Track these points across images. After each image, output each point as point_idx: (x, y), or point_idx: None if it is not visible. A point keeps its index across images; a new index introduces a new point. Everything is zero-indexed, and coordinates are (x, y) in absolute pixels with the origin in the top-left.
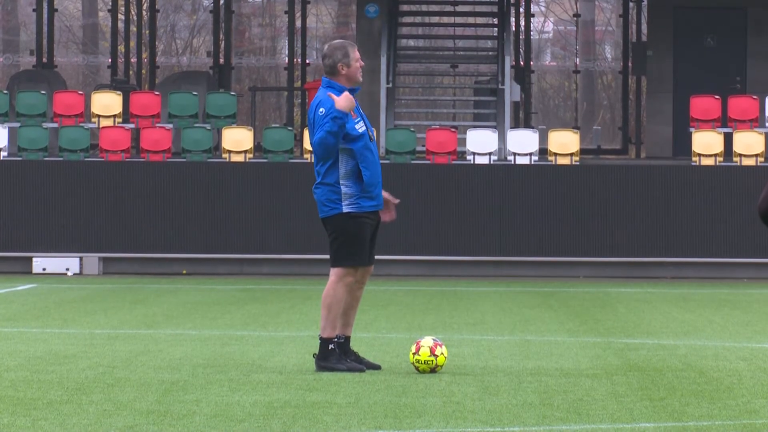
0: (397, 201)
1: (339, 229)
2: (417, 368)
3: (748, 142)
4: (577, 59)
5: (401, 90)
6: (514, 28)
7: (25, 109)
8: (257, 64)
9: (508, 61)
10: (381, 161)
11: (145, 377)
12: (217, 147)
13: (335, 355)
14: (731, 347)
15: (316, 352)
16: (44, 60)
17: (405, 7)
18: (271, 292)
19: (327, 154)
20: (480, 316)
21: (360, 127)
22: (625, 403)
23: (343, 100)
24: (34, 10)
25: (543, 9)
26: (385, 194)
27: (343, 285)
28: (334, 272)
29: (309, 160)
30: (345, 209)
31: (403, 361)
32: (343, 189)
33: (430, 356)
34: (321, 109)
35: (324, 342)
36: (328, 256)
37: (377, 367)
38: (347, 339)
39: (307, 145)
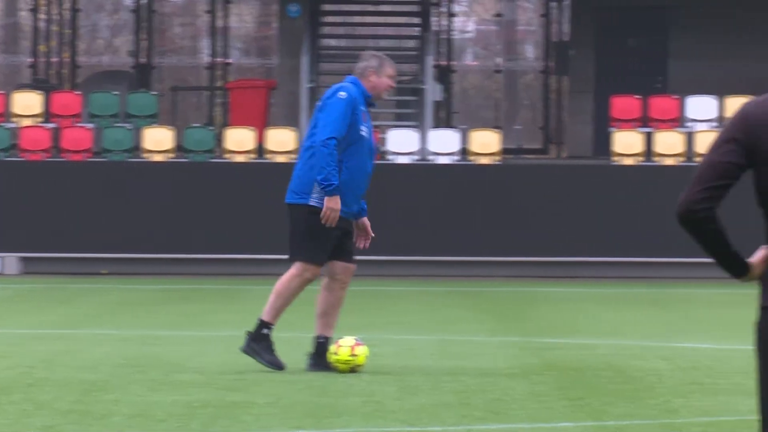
0: (372, 235)
1: (299, 220)
2: (337, 368)
3: (668, 142)
4: (499, 59)
5: (322, 90)
6: (436, 28)
7: None
8: (178, 64)
9: (430, 61)
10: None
11: (65, 377)
12: (137, 147)
13: (266, 341)
14: (651, 346)
15: (251, 330)
16: None
17: (327, 7)
18: (192, 292)
19: (320, 162)
20: (400, 315)
21: (363, 131)
22: (545, 403)
23: (333, 203)
24: None
25: (465, 8)
26: (366, 222)
27: (300, 280)
28: (295, 265)
29: (230, 160)
30: (311, 202)
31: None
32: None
33: (349, 356)
34: (342, 93)
35: (261, 324)
36: (251, 256)
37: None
38: (327, 340)
39: (227, 145)
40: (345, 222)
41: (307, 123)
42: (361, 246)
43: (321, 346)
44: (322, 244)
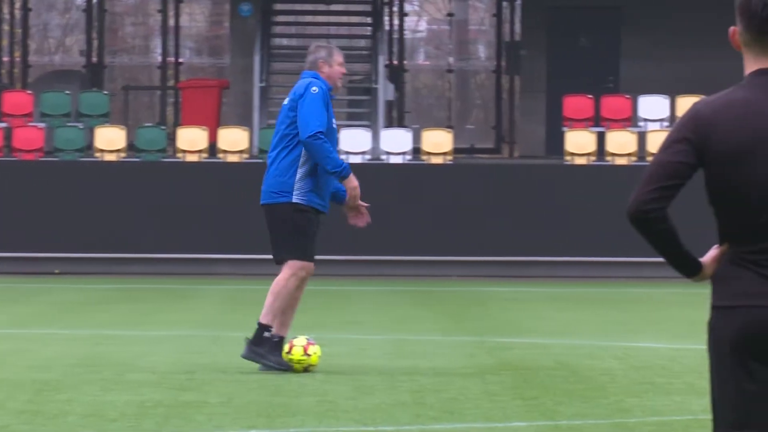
0: (366, 205)
1: (284, 219)
2: (290, 367)
3: (620, 142)
4: (451, 58)
5: (275, 89)
6: (387, 28)
7: None
8: (130, 63)
9: (382, 60)
10: (254, 160)
11: (16, 377)
12: (90, 146)
13: (269, 343)
14: (604, 346)
15: (249, 336)
16: None
17: (279, 6)
18: (144, 291)
19: (321, 153)
20: (354, 315)
21: (334, 123)
22: (498, 402)
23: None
24: None
25: (417, 8)
26: (355, 182)
27: (296, 279)
28: (288, 265)
29: (182, 159)
30: (294, 199)
31: None
32: (299, 178)
33: (303, 355)
34: (314, 88)
35: (261, 328)
36: (202, 256)
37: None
38: (281, 339)
39: (180, 144)
40: (321, 216)
41: (260, 123)
42: (362, 224)
43: (276, 346)
44: (310, 240)
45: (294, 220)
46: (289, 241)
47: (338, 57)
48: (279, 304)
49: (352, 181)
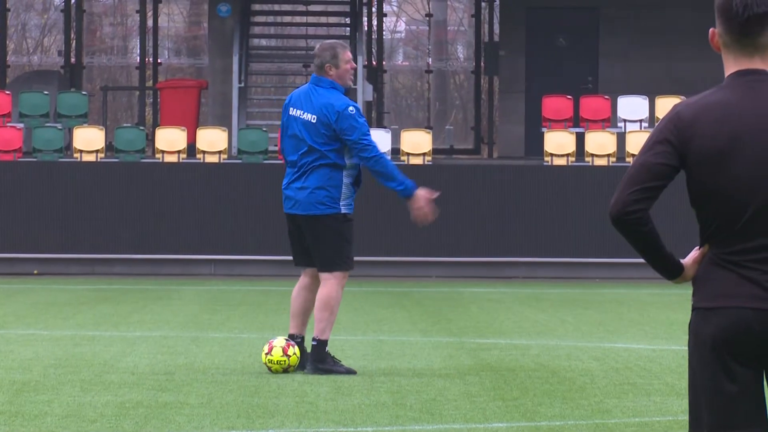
0: (436, 194)
1: (334, 229)
2: (269, 368)
3: (600, 142)
4: (430, 59)
5: (253, 90)
6: (366, 28)
7: None
8: (109, 64)
9: (361, 61)
10: (233, 161)
11: None
12: (68, 146)
13: (330, 356)
14: (584, 347)
15: (312, 353)
16: None
17: (257, 7)
18: (122, 292)
19: (387, 170)
20: None
21: None
22: (478, 403)
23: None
24: None
25: (395, 9)
26: (423, 191)
27: (341, 288)
28: (335, 275)
29: (160, 160)
30: (343, 210)
31: (255, 362)
32: (344, 189)
33: (282, 356)
34: (351, 108)
35: (321, 344)
36: (181, 257)
37: (353, 372)
38: (303, 339)
39: (159, 144)
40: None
41: (239, 123)
42: (431, 218)
43: (299, 345)
44: (352, 250)
45: (342, 230)
46: (337, 251)
47: (345, 55)
48: (335, 317)
49: (418, 201)
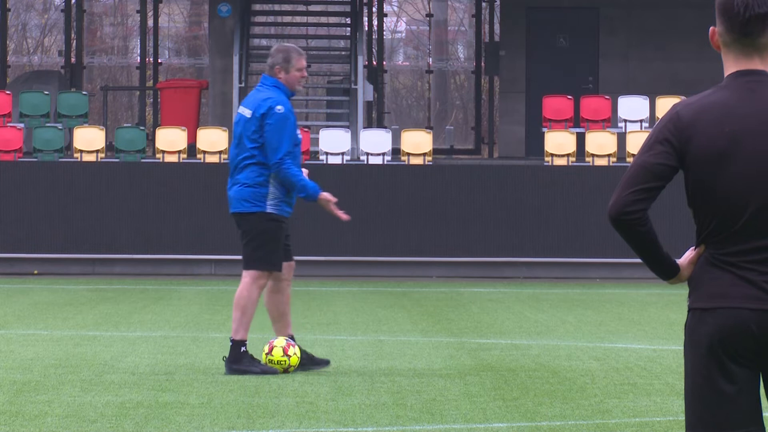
0: (346, 217)
1: (257, 228)
2: (276, 371)
3: (600, 142)
4: (430, 59)
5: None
6: (366, 28)
7: None
8: (109, 64)
9: (361, 61)
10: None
11: None
12: (69, 146)
13: (247, 357)
14: (584, 347)
15: (226, 355)
16: None
17: (257, 7)
18: (123, 292)
19: (288, 179)
20: (333, 316)
21: (299, 134)
22: (479, 403)
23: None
24: None
25: (396, 9)
26: (326, 195)
27: (257, 287)
28: (248, 274)
29: (161, 160)
30: (268, 209)
31: None
32: (272, 188)
33: (283, 356)
34: (279, 107)
35: (236, 344)
36: (181, 257)
37: (326, 363)
38: (292, 337)
39: (159, 144)
40: (287, 222)
41: None
42: (346, 218)
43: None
44: (278, 251)
45: (264, 229)
46: (257, 249)
47: (298, 62)
48: (248, 317)
49: (324, 198)
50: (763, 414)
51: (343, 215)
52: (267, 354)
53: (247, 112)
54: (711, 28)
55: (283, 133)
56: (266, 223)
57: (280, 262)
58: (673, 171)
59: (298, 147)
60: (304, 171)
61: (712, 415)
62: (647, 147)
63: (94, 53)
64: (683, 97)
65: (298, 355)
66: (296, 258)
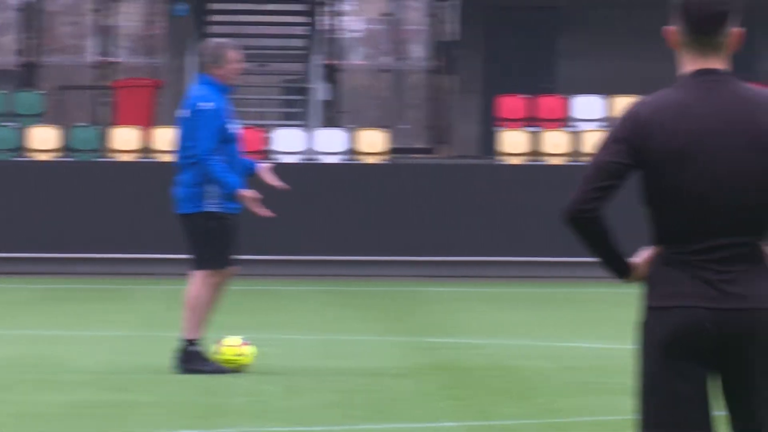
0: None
1: (200, 228)
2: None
3: (555, 142)
4: (387, 58)
5: None
6: (323, 27)
7: None
8: (65, 63)
9: (317, 60)
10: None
11: None
12: (23, 146)
13: (199, 356)
14: (538, 346)
15: (180, 353)
16: None
17: (214, 6)
18: (77, 291)
19: (210, 174)
20: (286, 315)
21: (231, 128)
22: (431, 402)
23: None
24: None
25: (353, 8)
26: (245, 192)
27: (206, 286)
28: (197, 274)
29: (115, 159)
30: (210, 208)
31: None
32: (207, 187)
33: (235, 355)
34: (205, 103)
35: (188, 344)
36: (136, 256)
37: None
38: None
39: (113, 144)
40: (235, 218)
41: None
42: (268, 214)
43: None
44: (224, 249)
45: (208, 228)
46: (203, 250)
47: (230, 55)
48: (198, 316)
49: (242, 195)
50: (716, 414)
51: (265, 212)
52: (219, 353)
53: (185, 113)
54: (666, 27)
55: (206, 128)
56: (209, 222)
57: (228, 259)
58: (628, 169)
59: (232, 144)
60: (268, 165)
61: (668, 415)
62: (604, 146)
63: (50, 52)
64: (642, 97)
65: (254, 353)
66: (253, 257)
